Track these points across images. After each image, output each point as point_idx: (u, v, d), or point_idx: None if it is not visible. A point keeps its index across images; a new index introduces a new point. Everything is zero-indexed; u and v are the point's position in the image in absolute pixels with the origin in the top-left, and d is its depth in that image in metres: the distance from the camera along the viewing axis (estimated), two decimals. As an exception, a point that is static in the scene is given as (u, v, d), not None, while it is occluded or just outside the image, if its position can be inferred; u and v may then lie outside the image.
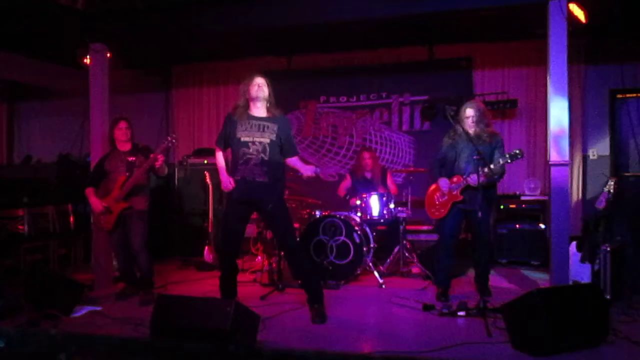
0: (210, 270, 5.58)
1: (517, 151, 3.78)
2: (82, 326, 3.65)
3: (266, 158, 3.60)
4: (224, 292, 3.79)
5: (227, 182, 3.67)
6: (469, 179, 3.93)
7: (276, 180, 3.66)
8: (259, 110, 3.69)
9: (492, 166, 3.81)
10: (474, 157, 3.84)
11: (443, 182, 4.13)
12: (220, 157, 3.82)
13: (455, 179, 4.07)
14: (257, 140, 3.61)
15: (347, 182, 5.72)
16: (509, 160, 3.78)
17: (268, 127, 3.65)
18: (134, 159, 4.33)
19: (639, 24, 4.91)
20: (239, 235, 3.81)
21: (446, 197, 4.12)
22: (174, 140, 4.23)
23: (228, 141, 3.73)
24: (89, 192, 4.34)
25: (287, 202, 3.90)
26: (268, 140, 3.61)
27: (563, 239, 4.10)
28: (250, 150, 3.61)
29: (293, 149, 3.78)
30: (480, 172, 3.78)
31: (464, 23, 5.35)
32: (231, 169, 3.73)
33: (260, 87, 3.64)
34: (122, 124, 4.37)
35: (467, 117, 4.05)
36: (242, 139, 3.62)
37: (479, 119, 4.04)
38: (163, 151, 4.20)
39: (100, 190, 4.43)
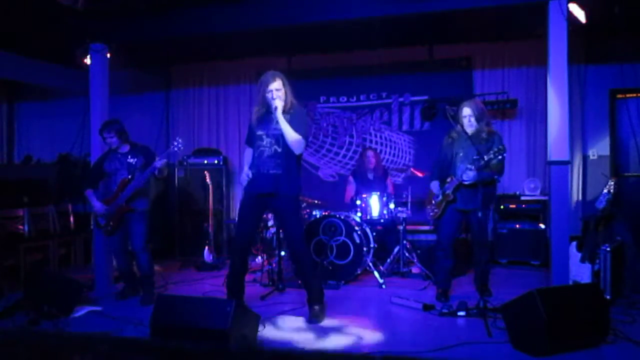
0: (210, 270, 5.59)
1: (501, 146, 3.76)
2: (82, 326, 3.65)
3: (279, 150, 3.61)
4: (230, 291, 3.77)
5: (243, 175, 3.72)
6: (463, 176, 3.93)
7: (290, 173, 3.64)
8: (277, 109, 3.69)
9: (479, 164, 3.80)
10: (474, 157, 3.84)
11: (433, 185, 4.19)
12: (247, 155, 3.86)
13: (449, 179, 4.08)
14: (271, 132, 3.64)
15: (352, 187, 5.70)
16: (492, 157, 3.74)
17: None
18: (134, 160, 4.33)
19: (639, 24, 4.90)
20: (251, 230, 3.83)
21: (440, 197, 4.14)
22: (180, 146, 4.24)
23: (251, 139, 3.79)
24: (90, 194, 4.35)
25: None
26: (281, 132, 3.60)
27: (563, 239, 4.10)
28: (264, 143, 3.65)
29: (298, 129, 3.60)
30: (474, 168, 3.79)
31: (464, 23, 5.34)
32: (250, 164, 3.77)
33: (274, 95, 3.59)
34: (105, 135, 4.32)
35: (464, 117, 4.04)
36: (258, 133, 3.69)
37: (478, 118, 4.03)
38: (168, 157, 4.22)
39: (101, 191, 4.43)
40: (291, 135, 3.55)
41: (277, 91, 3.60)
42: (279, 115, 3.55)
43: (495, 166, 3.90)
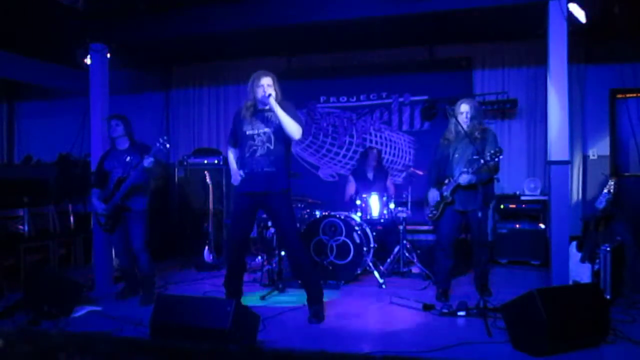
0: (210, 270, 5.59)
1: (498, 149, 3.75)
2: (82, 326, 3.65)
3: (272, 147, 3.62)
4: (228, 291, 3.78)
5: (237, 175, 3.71)
6: (459, 179, 3.93)
7: (283, 170, 3.66)
8: (265, 107, 3.69)
9: (476, 166, 3.79)
10: (474, 156, 3.83)
11: (431, 193, 4.18)
12: (232, 154, 3.87)
13: (446, 181, 4.08)
14: (262, 131, 3.64)
15: (352, 186, 5.70)
16: (489, 160, 3.74)
17: (271, 116, 3.63)
18: (130, 158, 4.33)
19: (639, 24, 4.90)
20: (246, 230, 3.82)
21: (438, 199, 4.14)
22: (166, 144, 4.16)
23: (236, 137, 3.78)
24: (94, 192, 4.39)
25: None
26: (272, 129, 3.62)
27: (563, 239, 4.10)
28: (256, 142, 3.64)
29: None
30: (470, 170, 3.79)
31: (464, 23, 5.35)
32: (240, 164, 3.77)
33: (265, 90, 3.61)
34: (112, 122, 4.39)
35: (461, 113, 4.05)
36: (248, 133, 3.67)
37: (473, 116, 4.04)
38: (154, 155, 4.19)
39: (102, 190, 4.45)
40: (288, 120, 3.53)
41: (269, 87, 3.61)
42: (273, 102, 3.53)
43: (492, 166, 3.89)
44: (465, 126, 4.00)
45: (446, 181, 4.07)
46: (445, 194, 4.06)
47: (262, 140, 3.63)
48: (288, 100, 3.76)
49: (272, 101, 3.54)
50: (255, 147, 3.64)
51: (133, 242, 4.32)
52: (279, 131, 3.61)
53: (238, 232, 3.78)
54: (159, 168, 4.35)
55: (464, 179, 3.88)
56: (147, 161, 4.13)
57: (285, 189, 3.68)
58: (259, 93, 3.62)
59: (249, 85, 3.70)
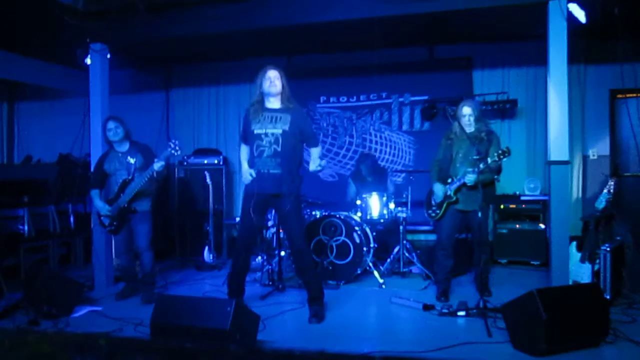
0: (210, 270, 5.59)
1: (505, 149, 3.76)
2: (82, 326, 3.65)
3: (279, 149, 3.60)
4: (231, 290, 3.80)
5: (246, 174, 3.71)
6: (464, 178, 3.93)
7: (291, 172, 3.66)
8: (273, 103, 3.69)
9: (481, 166, 3.80)
10: (474, 156, 3.84)
11: (437, 187, 4.16)
12: (243, 151, 3.88)
13: (449, 180, 4.08)
14: (270, 132, 3.61)
15: (352, 189, 5.69)
16: (497, 159, 3.77)
17: (281, 118, 3.62)
18: (134, 159, 4.32)
19: (638, 24, 4.90)
20: (255, 230, 3.84)
21: (441, 199, 4.14)
22: (177, 148, 4.11)
23: (246, 136, 3.77)
24: (94, 194, 4.37)
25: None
26: (280, 131, 3.59)
27: (563, 239, 4.10)
28: (263, 143, 3.62)
29: (312, 139, 3.83)
30: (476, 170, 3.79)
31: (464, 23, 5.34)
32: (249, 163, 3.77)
33: (272, 82, 3.62)
34: (110, 124, 4.36)
35: (464, 116, 4.05)
36: (256, 132, 3.64)
37: (477, 118, 4.05)
38: (165, 159, 4.17)
39: (103, 191, 4.44)
40: (315, 155, 3.81)
41: (275, 79, 3.62)
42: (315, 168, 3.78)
43: (496, 167, 3.92)
44: (467, 129, 4.00)
45: (449, 180, 4.07)
46: (449, 192, 4.06)
47: (270, 141, 3.61)
48: (300, 106, 3.86)
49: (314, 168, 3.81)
50: (262, 148, 3.62)
51: (139, 241, 4.34)
52: (288, 133, 3.60)
53: (246, 231, 3.78)
54: (165, 170, 4.32)
55: (469, 179, 3.87)
56: (158, 165, 4.09)
57: (292, 191, 3.67)
58: (266, 85, 3.62)
59: (257, 79, 3.69)
